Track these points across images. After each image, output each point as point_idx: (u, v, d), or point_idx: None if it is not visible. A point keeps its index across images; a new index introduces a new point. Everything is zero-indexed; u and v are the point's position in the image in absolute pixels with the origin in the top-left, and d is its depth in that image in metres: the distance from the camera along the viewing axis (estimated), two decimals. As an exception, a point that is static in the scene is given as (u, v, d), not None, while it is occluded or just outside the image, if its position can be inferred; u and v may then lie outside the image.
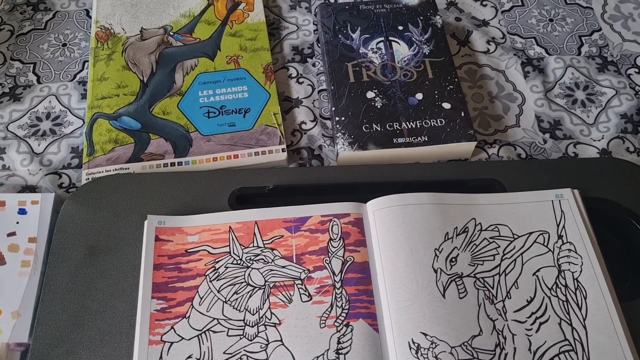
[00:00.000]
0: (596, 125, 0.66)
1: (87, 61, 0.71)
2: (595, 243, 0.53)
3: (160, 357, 0.47)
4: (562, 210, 0.55)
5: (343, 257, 0.52)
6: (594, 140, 0.65)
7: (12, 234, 0.55)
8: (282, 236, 0.53)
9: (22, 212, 0.56)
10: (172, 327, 0.49)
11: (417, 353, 0.47)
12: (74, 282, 0.52)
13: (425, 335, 0.48)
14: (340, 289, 0.50)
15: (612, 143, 0.65)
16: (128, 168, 0.61)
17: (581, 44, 0.73)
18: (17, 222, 0.56)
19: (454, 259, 0.52)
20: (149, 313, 0.49)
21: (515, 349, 0.48)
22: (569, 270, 0.52)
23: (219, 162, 0.61)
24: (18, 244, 0.54)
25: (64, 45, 0.72)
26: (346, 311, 0.49)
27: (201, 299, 0.50)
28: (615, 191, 0.58)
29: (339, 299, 0.50)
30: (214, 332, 0.49)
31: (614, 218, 0.57)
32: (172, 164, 0.61)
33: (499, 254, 0.53)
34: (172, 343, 0.48)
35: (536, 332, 0.49)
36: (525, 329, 0.49)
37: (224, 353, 0.48)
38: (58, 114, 0.66)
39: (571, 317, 0.50)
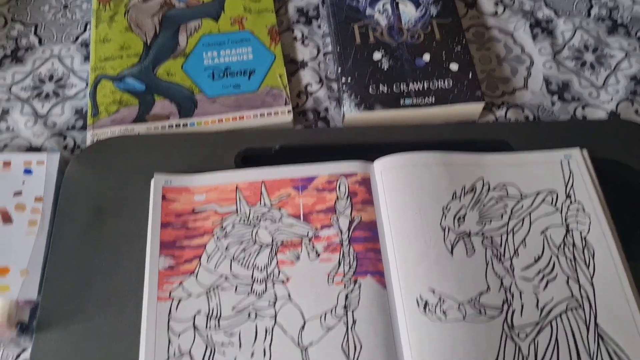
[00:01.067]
0: (605, 87, 0.65)
1: (89, 23, 0.70)
2: (603, 202, 0.53)
3: (170, 313, 0.47)
4: (570, 170, 0.55)
5: (350, 215, 0.52)
6: (603, 103, 0.64)
7: (19, 193, 0.55)
8: (289, 195, 0.53)
9: (27, 172, 0.56)
10: (180, 284, 0.49)
11: (424, 309, 0.47)
12: (81, 242, 0.52)
13: (433, 291, 0.48)
14: (348, 247, 0.50)
15: (621, 105, 0.64)
16: (133, 129, 0.60)
17: (591, 5, 0.72)
18: (23, 182, 0.55)
19: (461, 218, 0.51)
20: (157, 270, 0.49)
21: (522, 305, 0.48)
22: (577, 229, 0.52)
23: (225, 123, 0.61)
24: (24, 204, 0.54)
25: (65, 7, 0.71)
26: (354, 268, 0.49)
27: (209, 256, 0.50)
28: (623, 153, 0.58)
29: (346, 257, 0.50)
30: (222, 289, 0.49)
31: (622, 179, 0.57)
32: (177, 125, 0.61)
33: (506, 213, 0.52)
34: (180, 299, 0.48)
35: (544, 289, 0.49)
36: (533, 286, 0.49)
37: (232, 309, 0.48)
38: (61, 76, 0.66)
39: (579, 275, 0.50)
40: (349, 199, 0.53)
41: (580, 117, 0.64)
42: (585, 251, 0.51)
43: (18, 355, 0.49)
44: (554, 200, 0.53)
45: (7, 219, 0.53)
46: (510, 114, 0.63)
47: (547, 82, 0.66)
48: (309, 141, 0.58)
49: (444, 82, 0.62)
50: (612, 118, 0.63)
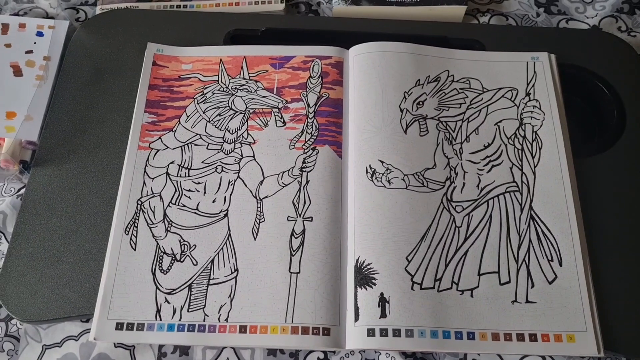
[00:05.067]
0: (593, 3, 0.66)
1: None
2: (561, 102, 0.56)
3: (147, 160, 0.54)
4: (535, 71, 0.57)
5: (319, 92, 0.56)
6: (588, 18, 0.66)
7: (30, 52, 0.61)
8: (267, 71, 0.58)
9: (39, 34, 0.62)
10: (159, 138, 0.55)
11: (372, 176, 0.52)
12: (80, 96, 0.58)
13: (382, 162, 0.52)
14: (313, 119, 0.55)
15: (605, 21, 0.65)
16: (138, 6, 0.65)
17: None
18: (35, 43, 0.62)
19: (421, 102, 0.55)
20: (141, 124, 0.55)
21: (464, 184, 0.52)
22: (530, 124, 0.55)
23: (221, 7, 0.65)
24: (34, 61, 0.61)
25: None
26: (315, 137, 0.54)
27: (188, 117, 0.56)
28: (596, 61, 0.60)
29: (310, 127, 0.55)
30: (196, 145, 0.54)
31: (588, 85, 0.59)
32: (178, 6, 0.66)
33: (465, 103, 0.56)
34: (158, 150, 0.54)
35: (487, 172, 0.53)
36: (478, 169, 0.53)
37: (202, 162, 0.54)
38: (79, -44, 0.71)
39: (523, 163, 0.53)
40: (320, 78, 0.57)
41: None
42: (535, 144, 0.54)
43: (19, 190, 0.57)
44: (514, 96, 0.56)
45: (18, 72, 0.60)
46: (493, 21, 0.65)
47: (537, -6, 0.67)
48: (293, 26, 0.62)
49: (431, -16, 0.64)
50: (592, 29, 0.64)
